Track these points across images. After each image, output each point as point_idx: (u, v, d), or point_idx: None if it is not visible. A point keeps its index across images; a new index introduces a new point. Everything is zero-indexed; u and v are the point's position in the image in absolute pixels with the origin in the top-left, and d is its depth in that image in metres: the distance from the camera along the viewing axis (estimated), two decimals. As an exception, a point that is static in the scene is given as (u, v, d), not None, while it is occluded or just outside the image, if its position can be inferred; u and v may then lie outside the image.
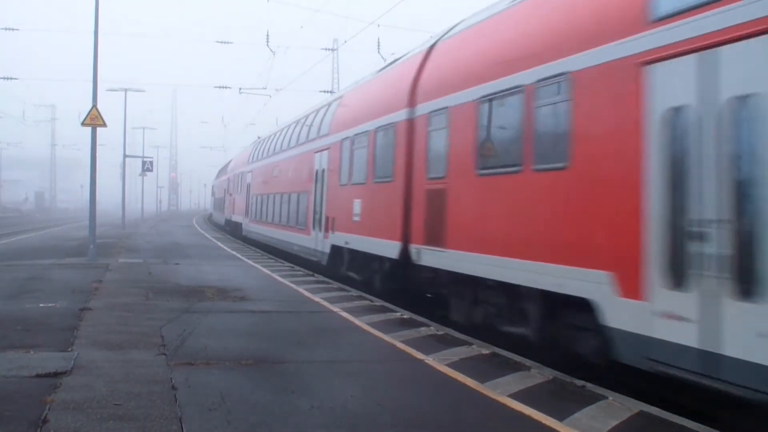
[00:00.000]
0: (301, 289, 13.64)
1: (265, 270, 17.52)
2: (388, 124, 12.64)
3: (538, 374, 7.23)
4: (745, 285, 5.27)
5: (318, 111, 19.85)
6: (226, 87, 37.77)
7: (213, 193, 63.51)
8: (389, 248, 12.07)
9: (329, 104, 18.97)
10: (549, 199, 7.74)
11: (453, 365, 7.47)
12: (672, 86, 6.08)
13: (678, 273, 5.84)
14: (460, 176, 9.84)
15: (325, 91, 36.99)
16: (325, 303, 11.86)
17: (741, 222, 5.38)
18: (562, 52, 7.64)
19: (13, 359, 7.04)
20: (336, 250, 15.58)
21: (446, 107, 10.32)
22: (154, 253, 22.19)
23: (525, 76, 8.27)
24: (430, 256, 10.62)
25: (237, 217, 35.62)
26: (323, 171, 17.09)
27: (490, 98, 9.09)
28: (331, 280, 15.54)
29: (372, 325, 9.84)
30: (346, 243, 14.72)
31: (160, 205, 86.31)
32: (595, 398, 6.31)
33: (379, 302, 12.29)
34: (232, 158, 46.64)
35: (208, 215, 70.56)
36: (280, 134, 25.75)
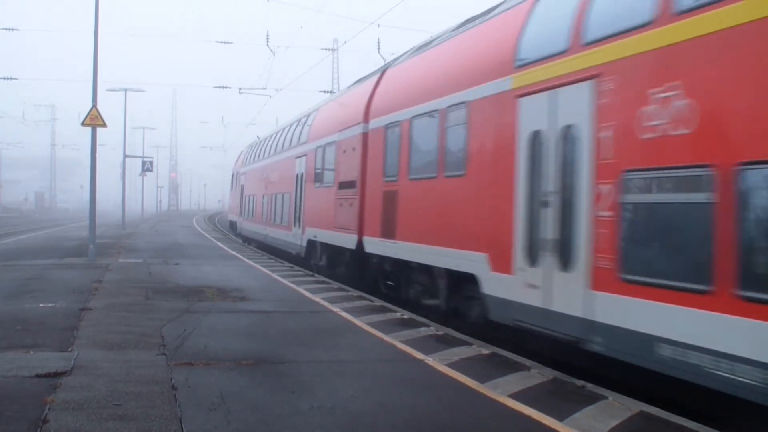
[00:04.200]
0: (300, 289, 13.64)
1: (264, 270, 17.53)
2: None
3: (537, 374, 7.23)
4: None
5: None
6: (226, 87, 37.74)
7: (233, 186, 38.42)
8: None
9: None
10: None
11: (453, 365, 7.47)
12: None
13: None
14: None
15: (325, 91, 36.98)
16: (325, 303, 11.87)
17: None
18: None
19: (13, 359, 7.05)
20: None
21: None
22: (154, 253, 22.20)
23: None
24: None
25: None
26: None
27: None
28: (330, 281, 15.57)
29: (372, 325, 9.85)
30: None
31: (160, 205, 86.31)
32: (595, 398, 6.31)
33: (378, 302, 12.31)
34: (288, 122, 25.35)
35: (222, 220, 54.55)
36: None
